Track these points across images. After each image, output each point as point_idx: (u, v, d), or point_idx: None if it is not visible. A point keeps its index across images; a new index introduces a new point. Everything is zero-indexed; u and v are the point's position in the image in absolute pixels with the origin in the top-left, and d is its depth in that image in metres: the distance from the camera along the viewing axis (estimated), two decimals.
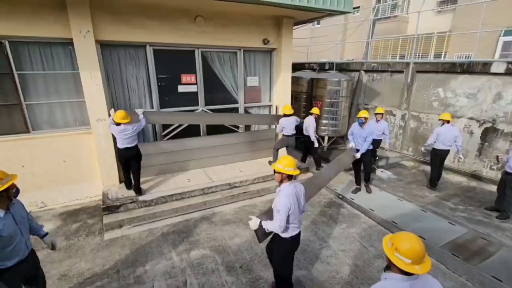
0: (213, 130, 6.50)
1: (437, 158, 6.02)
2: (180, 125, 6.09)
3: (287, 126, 6.22)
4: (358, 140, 5.59)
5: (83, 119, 5.26)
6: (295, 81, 8.81)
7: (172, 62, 5.82)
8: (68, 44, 4.82)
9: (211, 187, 5.57)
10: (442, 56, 13.26)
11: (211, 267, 3.75)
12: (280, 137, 6.59)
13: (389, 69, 8.68)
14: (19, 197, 2.67)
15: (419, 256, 1.62)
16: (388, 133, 6.69)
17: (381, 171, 7.02)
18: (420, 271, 1.61)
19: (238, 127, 6.86)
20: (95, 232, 4.52)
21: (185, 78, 5.97)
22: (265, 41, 6.39)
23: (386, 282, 1.74)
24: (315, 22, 18.42)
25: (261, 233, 3.02)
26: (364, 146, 5.47)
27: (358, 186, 5.99)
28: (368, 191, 5.94)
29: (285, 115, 6.26)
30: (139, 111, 5.07)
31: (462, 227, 4.70)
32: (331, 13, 5.68)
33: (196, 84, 6.10)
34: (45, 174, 5.12)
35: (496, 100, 6.48)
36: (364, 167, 5.89)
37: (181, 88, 5.98)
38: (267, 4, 4.83)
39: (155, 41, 5.37)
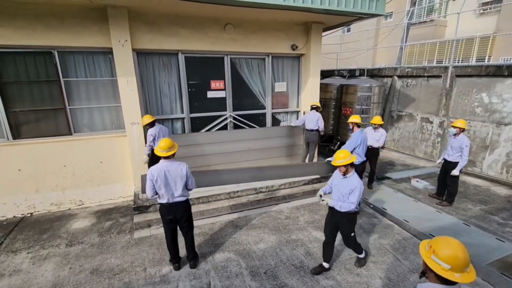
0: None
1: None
2: (209, 129, 6.22)
3: (307, 120, 6.46)
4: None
5: (119, 122, 5.57)
6: (323, 87, 8.67)
7: (202, 69, 6.00)
8: (108, 53, 5.19)
9: (238, 191, 5.58)
10: (486, 60, 12.32)
11: (235, 271, 3.70)
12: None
13: (425, 74, 8.22)
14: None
15: (460, 263, 1.41)
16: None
17: (417, 181, 6.56)
18: (461, 279, 1.39)
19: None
20: (126, 230, 4.70)
21: (214, 84, 6.12)
22: (294, 47, 6.39)
23: None
24: (345, 29, 18.17)
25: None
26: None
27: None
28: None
29: (311, 109, 6.48)
30: None
31: None
32: (362, 16, 5.54)
33: (224, 89, 6.22)
34: (83, 173, 5.47)
35: None
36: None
37: (210, 94, 6.14)
38: (297, 9, 4.83)
39: (187, 49, 5.59)
